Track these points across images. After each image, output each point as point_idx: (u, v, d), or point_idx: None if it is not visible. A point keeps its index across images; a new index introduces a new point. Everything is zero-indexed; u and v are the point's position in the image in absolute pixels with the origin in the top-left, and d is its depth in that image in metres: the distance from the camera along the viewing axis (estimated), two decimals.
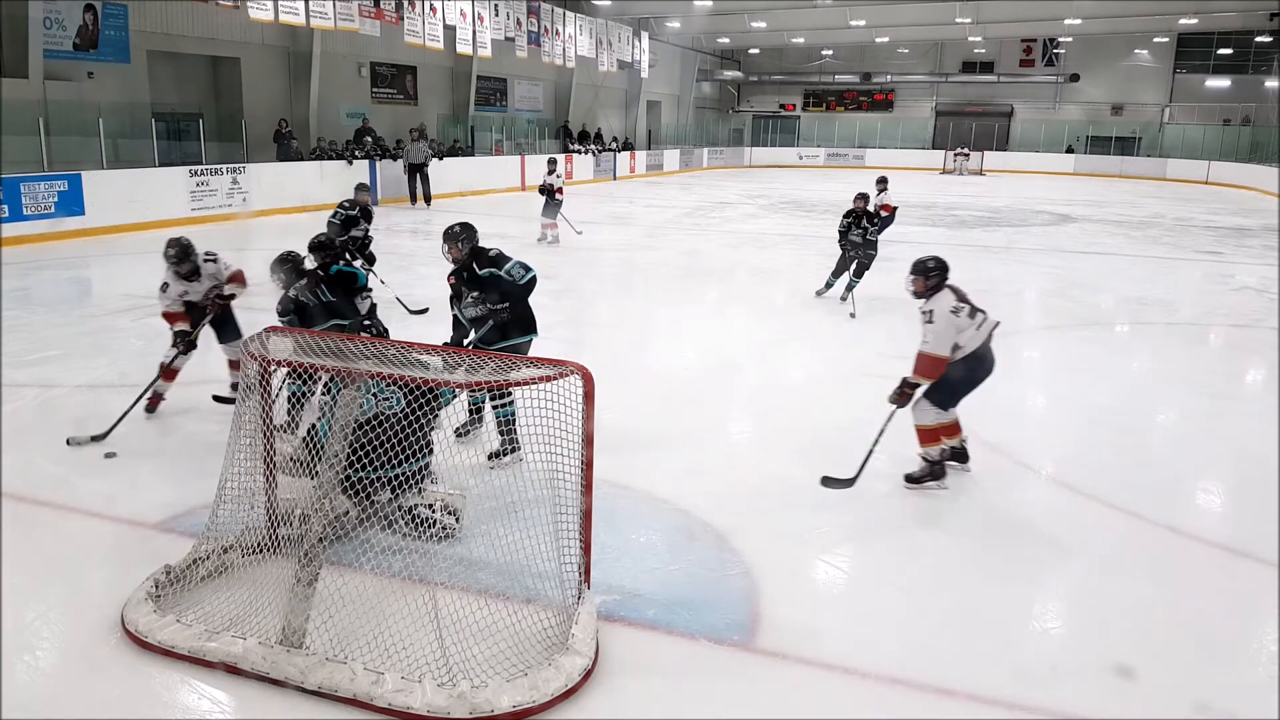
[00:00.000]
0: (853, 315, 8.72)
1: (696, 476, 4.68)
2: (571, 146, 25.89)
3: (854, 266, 9.14)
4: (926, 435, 4.54)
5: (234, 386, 5.50)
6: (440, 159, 19.31)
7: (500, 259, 4.77)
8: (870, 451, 4.50)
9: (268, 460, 3.60)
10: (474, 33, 19.57)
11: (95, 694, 2.94)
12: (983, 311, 4.48)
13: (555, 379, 3.19)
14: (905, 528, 4.27)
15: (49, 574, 3.64)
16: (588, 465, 3.32)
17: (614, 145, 28.28)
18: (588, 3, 26.20)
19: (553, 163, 13.60)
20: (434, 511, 3.88)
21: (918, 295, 4.51)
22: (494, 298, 4.73)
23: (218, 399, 5.50)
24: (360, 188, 9.23)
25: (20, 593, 3.44)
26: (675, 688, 3.04)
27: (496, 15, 20.31)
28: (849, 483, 4.44)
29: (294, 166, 16.40)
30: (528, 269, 4.76)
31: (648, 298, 10.14)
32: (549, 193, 13.14)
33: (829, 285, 9.51)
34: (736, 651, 3.22)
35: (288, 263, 5.17)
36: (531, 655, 3.05)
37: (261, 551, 3.55)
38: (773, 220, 17.35)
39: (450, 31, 19.06)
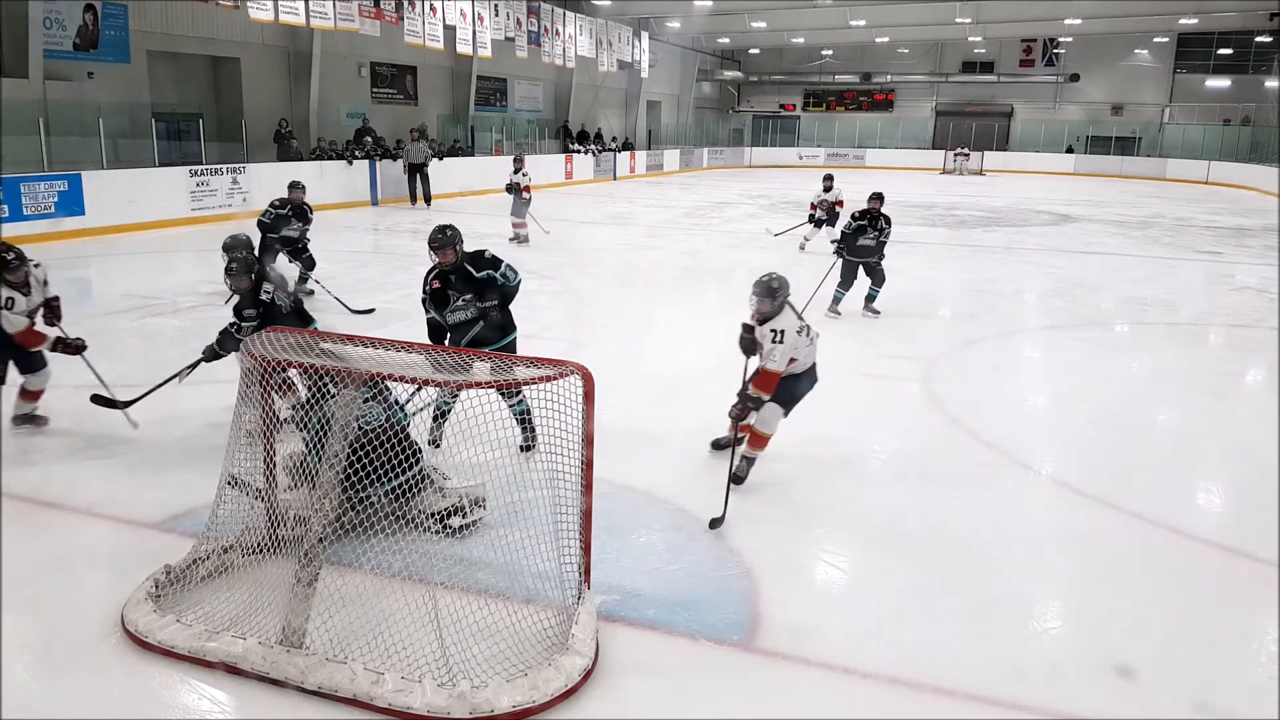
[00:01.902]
0: (838, 314, 8.46)
1: (696, 476, 4.68)
2: (571, 146, 25.89)
3: (872, 275, 8.48)
4: (764, 441, 4.63)
5: (22, 418, 5.15)
6: (440, 159, 19.31)
7: (495, 261, 4.80)
8: (729, 485, 4.31)
9: (268, 460, 3.60)
10: (474, 33, 19.57)
11: (95, 694, 2.94)
12: (809, 326, 4.59)
13: (555, 379, 3.19)
14: (905, 527, 4.27)
15: (49, 574, 3.64)
16: (588, 465, 3.32)
17: (614, 145, 28.28)
18: (588, 3, 26.20)
19: (518, 161, 13.42)
20: (466, 516, 3.94)
21: (764, 315, 4.49)
22: (488, 298, 4.74)
23: (18, 420, 5.16)
24: (293, 185, 8.92)
25: (20, 593, 3.44)
26: (675, 688, 3.04)
27: (496, 15, 20.31)
28: (720, 520, 4.16)
29: (294, 167, 16.37)
30: (516, 273, 4.85)
31: (648, 298, 10.14)
32: (516, 191, 13.01)
33: (838, 299, 8.59)
34: (736, 651, 3.22)
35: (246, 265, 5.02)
36: (531, 655, 3.05)
37: (261, 551, 3.55)
38: (773, 220, 17.34)
39: (450, 31, 19.06)
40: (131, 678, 2.99)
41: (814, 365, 4.66)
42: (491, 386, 3.13)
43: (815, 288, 8.45)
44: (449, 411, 4.72)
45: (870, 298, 8.58)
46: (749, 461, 4.63)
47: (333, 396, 3.58)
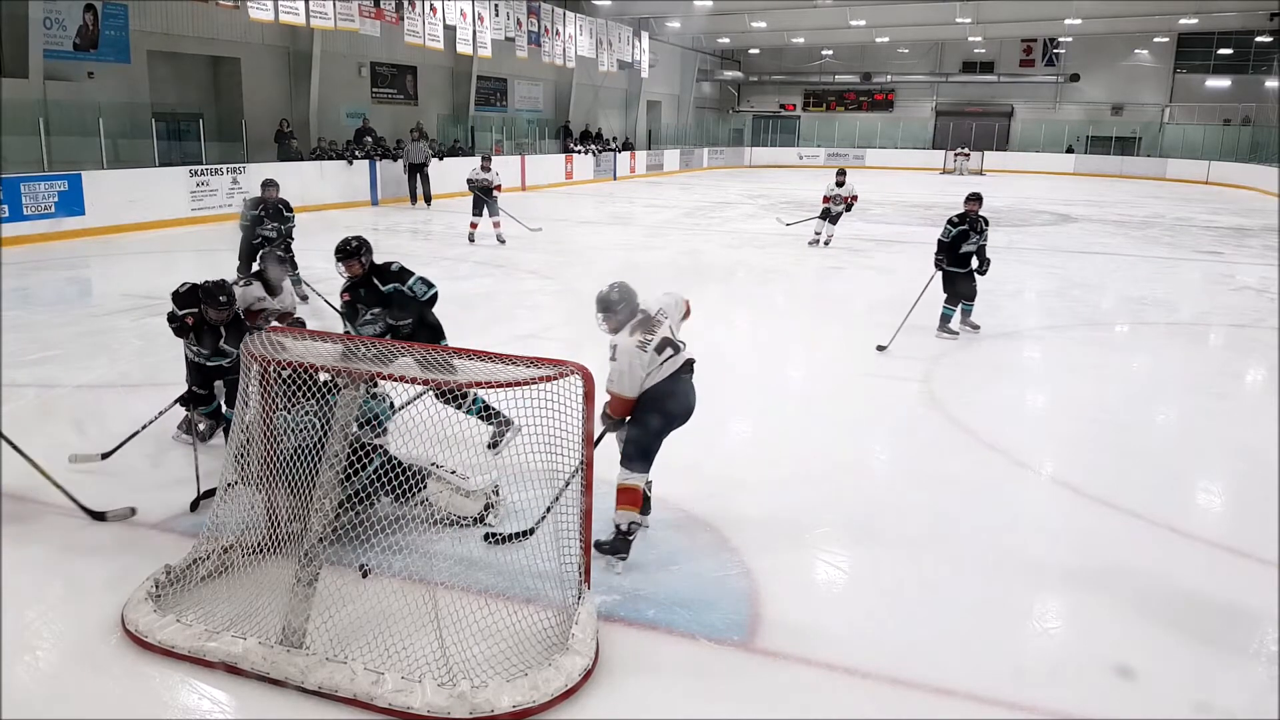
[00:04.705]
0: (954, 333, 7.81)
1: (696, 476, 4.67)
2: (572, 147, 25.90)
3: (965, 288, 7.78)
4: (627, 495, 3.75)
5: None
6: (440, 159, 19.31)
7: (403, 273, 4.73)
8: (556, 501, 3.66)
9: (268, 460, 3.60)
10: (474, 33, 19.57)
11: (95, 694, 2.94)
12: (675, 346, 3.81)
13: (555, 379, 3.19)
14: (905, 527, 4.27)
15: (49, 574, 3.65)
16: (588, 465, 3.32)
17: (614, 145, 28.28)
18: (588, 3, 26.20)
19: (487, 160, 13.23)
20: (497, 509, 4.04)
21: (610, 331, 3.87)
22: (396, 314, 4.67)
23: None
24: (266, 184, 8.68)
25: (20, 593, 3.44)
26: (675, 688, 3.04)
27: (496, 15, 20.31)
28: (528, 533, 3.78)
29: (294, 166, 16.40)
30: (430, 285, 4.75)
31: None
32: (486, 191, 12.79)
33: (948, 317, 7.83)
34: (736, 651, 3.22)
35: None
36: (531, 655, 3.05)
37: (261, 551, 3.55)
38: (773, 220, 17.34)
39: (450, 31, 19.07)
40: (131, 678, 2.99)
41: (671, 390, 3.75)
42: (491, 386, 3.12)
43: (910, 307, 7.63)
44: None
45: (966, 312, 7.98)
46: (619, 530, 3.74)
47: (283, 409, 3.62)
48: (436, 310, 4.92)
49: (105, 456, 4.72)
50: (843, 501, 4.53)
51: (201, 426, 4.87)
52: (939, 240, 7.75)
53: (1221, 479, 5.20)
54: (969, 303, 7.94)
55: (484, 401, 4.53)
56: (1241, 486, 5.02)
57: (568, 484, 3.42)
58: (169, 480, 4.51)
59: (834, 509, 4.43)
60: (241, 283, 5.28)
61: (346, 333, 4.76)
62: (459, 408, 4.42)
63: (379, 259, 4.88)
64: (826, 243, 13.28)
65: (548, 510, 3.60)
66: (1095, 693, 3.04)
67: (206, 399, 4.85)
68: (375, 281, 4.71)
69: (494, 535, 3.88)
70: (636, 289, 3.91)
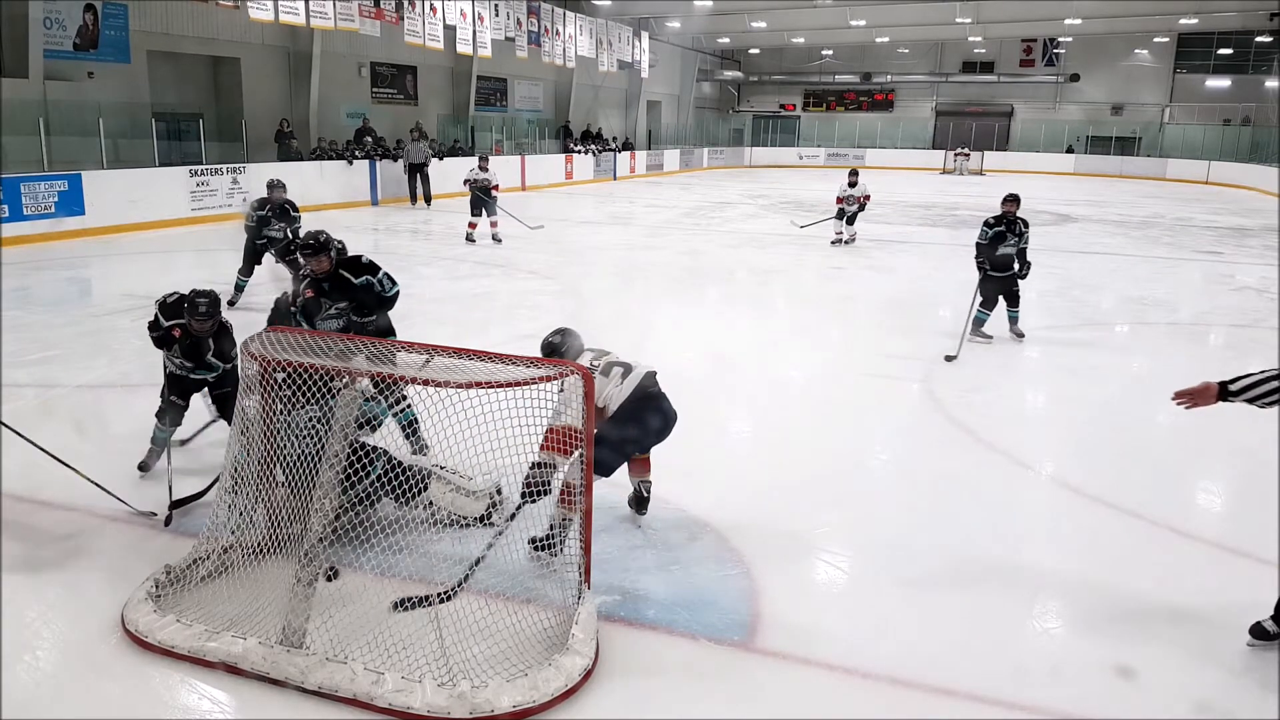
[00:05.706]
0: (989, 337, 7.65)
1: (696, 476, 4.67)
2: (572, 147, 25.90)
3: (1007, 295, 7.62)
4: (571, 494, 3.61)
5: None
6: (440, 159, 19.32)
7: (374, 266, 4.66)
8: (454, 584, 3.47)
9: (268, 460, 3.61)
10: (474, 33, 19.57)
11: (95, 694, 2.94)
12: (624, 365, 3.83)
13: (555, 379, 3.19)
14: (905, 527, 4.27)
15: (49, 574, 3.65)
16: (588, 465, 3.32)
17: (614, 145, 28.28)
18: (588, 3, 26.20)
19: (485, 159, 13.22)
20: (500, 508, 4.02)
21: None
22: (362, 309, 4.61)
23: None
24: (272, 185, 8.60)
25: (20, 593, 3.44)
26: (675, 688, 3.04)
27: (496, 15, 20.31)
28: (448, 596, 3.39)
29: (294, 166, 16.38)
30: (394, 281, 4.70)
31: (648, 298, 10.13)
32: (484, 191, 12.78)
33: (982, 321, 7.66)
34: (736, 651, 3.22)
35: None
36: (531, 655, 3.05)
37: (261, 551, 3.55)
38: (773, 220, 17.35)
39: (450, 31, 19.07)
40: (131, 678, 2.99)
41: (641, 405, 3.75)
42: (491, 386, 3.12)
43: (967, 317, 7.51)
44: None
45: (1012, 319, 7.82)
46: (554, 527, 3.57)
47: (284, 411, 3.62)
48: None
49: (184, 443, 4.89)
50: (843, 501, 4.53)
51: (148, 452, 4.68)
52: (976, 243, 7.61)
53: (1221, 479, 5.20)
54: (1013, 309, 7.77)
55: (414, 415, 4.45)
56: (1241, 486, 5.02)
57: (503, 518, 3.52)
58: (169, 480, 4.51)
59: (834, 509, 4.43)
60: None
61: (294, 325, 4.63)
62: (389, 407, 4.37)
63: (387, 258, 4.85)
64: (848, 242, 13.34)
65: (477, 561, 3.44)
66: (1095, 693, 3.05)
67: (182, 410, 4.77)
68: (345, 275, 4.60)
69: (406, 601, 3.35)
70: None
